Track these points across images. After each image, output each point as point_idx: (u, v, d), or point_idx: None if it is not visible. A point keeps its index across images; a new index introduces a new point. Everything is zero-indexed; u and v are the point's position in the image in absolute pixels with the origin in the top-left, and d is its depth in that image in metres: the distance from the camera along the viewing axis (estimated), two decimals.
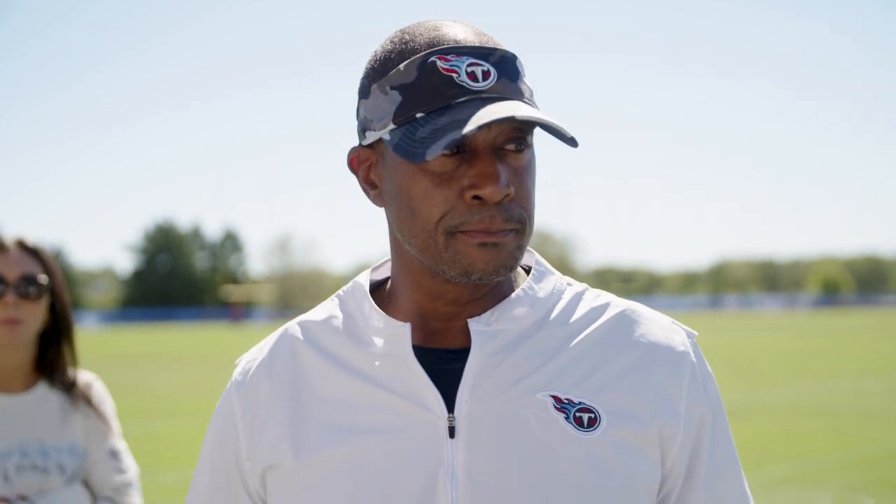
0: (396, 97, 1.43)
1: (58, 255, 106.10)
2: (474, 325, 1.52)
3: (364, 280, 1.64)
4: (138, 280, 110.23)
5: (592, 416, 1.49)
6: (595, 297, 1.61)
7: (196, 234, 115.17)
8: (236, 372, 1.66)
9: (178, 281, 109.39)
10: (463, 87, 1.40)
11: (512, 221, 1.44)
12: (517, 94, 1.43)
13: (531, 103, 1.45)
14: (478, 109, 1.38)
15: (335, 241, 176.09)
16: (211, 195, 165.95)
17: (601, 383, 1.51)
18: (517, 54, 1.48)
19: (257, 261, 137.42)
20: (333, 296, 1.67)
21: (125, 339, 54.44)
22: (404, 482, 1.47)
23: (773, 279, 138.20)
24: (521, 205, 1.45)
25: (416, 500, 1.47)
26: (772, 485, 10.06)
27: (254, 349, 1.68)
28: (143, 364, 31.71)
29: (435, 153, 1.37)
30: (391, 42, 1.50)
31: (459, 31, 1.47)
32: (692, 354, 1.57)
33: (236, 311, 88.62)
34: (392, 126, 1.44)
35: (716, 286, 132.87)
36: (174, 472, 11.56)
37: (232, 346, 45.17)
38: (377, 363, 1.54)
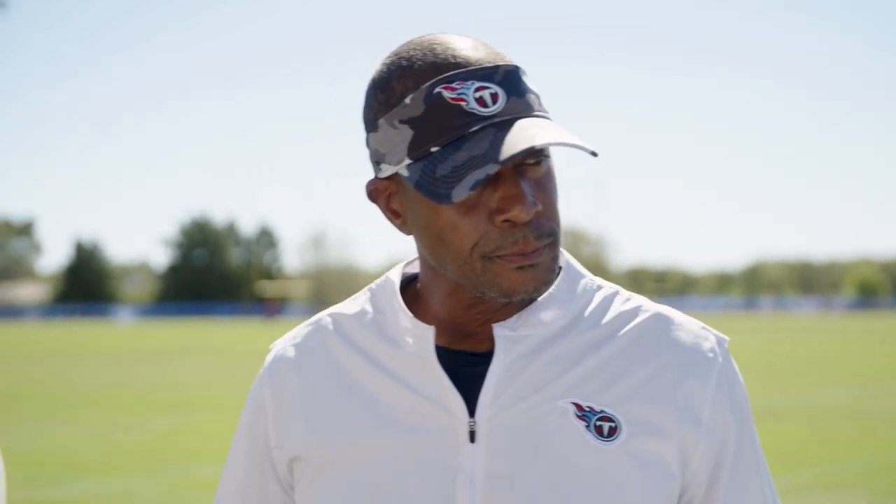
0: (407, 131, 1.42)
1: (94, 249, 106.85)
2: (499, 329, 1.51)
3: (395, 276, 1.63)
4: (174, 274, 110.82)
5: (613, 425, 1.48)
6: (625, 300, 1.59)
7: (231, 230, 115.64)
8: (268, 359, 1.67)
9: (213, 276, 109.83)
10: (474, 114, 1.39)
11: (543, 237, 1.44)
12: (527, 110, 1.42)
13: (542, 114, 1.44)
14: (493, 138, 1.38)
15: (369, 237, 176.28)
16: (246, 190, 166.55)
17: (624, 392, 1.50)
18: (516, 63, 1.46)
19: (292, 256, 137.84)
20: (366, 289, 1.66)
21: (159, 334, 54.76)
22: (424, 484, 1.48)
23: (809, 281, 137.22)
24: (548, 217, 1.45)
25: (435, 503, 1.48)
26: (803, 488, 10.02)
27: (286, 337, 1.68)
28: (177, 358, 31.89)
29: (461, 195, 1.37)
30: (388, 69, 1.47)
31: (458, 49, 1.44)
32: (720, 361, 1.55)
33: (270, 307, 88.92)
34: (408, 161, 1.42)
35: (750, 287, 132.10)
36: (209, 467, 11.57)
37: (266, 341, 45.02)
38: (404, 363, 1.54)
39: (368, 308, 1.63)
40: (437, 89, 1.40)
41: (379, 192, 1.52)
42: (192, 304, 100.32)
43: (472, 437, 1.49)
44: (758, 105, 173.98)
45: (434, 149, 1.40)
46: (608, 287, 1.61)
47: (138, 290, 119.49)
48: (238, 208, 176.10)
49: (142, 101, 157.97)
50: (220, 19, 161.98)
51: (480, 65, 1.42)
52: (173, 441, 13.71)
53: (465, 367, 1.53)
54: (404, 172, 1.44)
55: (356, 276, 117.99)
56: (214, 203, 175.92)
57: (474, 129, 1.38)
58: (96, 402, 18.66)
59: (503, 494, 1.47)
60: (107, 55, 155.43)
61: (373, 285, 1.66)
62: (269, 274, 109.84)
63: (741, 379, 1.58)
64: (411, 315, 1.56)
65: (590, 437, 1.47)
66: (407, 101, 1.42)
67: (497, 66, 1.42)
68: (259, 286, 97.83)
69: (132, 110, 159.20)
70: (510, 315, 1.53)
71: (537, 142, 1.35)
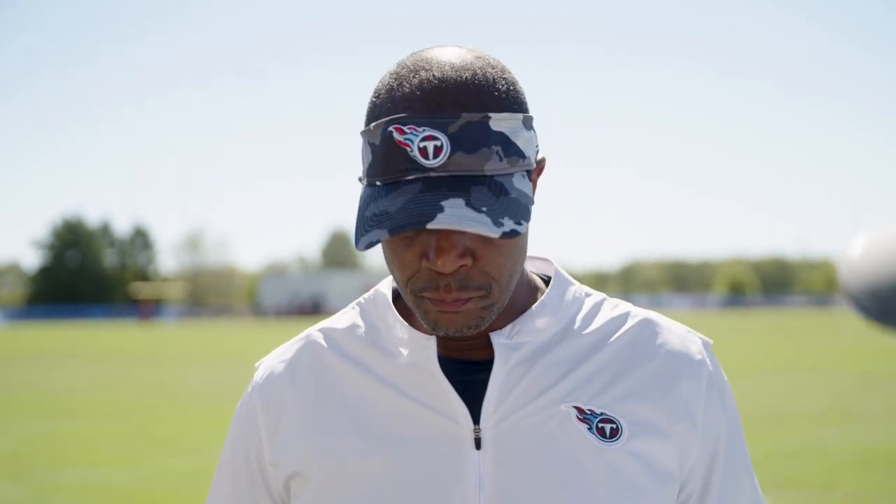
0: (368, 155, 1.44)
1: None
2: (497, 338, 1.54)
3: (386, 289, 1.65)
4: (45, 277, 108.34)
5: (614, 426, 1.52)
6: (613, 306, 1.64)
7: (105, 231, 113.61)
8: (257, 376, 1.67)
9: (87, 278, 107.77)
10: (414, 162, 1.39)
11: (468, 290, 1.44)
12: (474, 166, 1.39)
13: (493, 172, 1.40)
14: (411, 198, 1.38)
15: (247, 239, 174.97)
16: (121, 191, 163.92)
17: (622, 394, 1.54)
18: (491, 111, 1.42)
19: (167, 258, 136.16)
20: (354, 304, 1.68)
21: (31, 337, 53.49)
22: (433, 493, 1.50)
23: (683, 280, 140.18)
24: (484, 272, 1.44)
25: None
26: None
27: (275, 353, 1.68)
28: (49, 362, 31.19)
29: (361, 247, 1.41)
30: (382, 84, 1.48)
31: (434, 84, 1.42)
32: (709, 363, 1.61)
33: (145, 309, 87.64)
34: (365, 182, 1.46)
35: (626, 286, 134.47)
36: (77, 472, 11.40)
37: (140, 343, 44.59)
38: (402, 374, 1.56)
39: (359, 322, 1.64)
40: (390, 128, 1.41)
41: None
42: (65, 307, 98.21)
43: (478, 444, 1.51)
44: (629, 106, 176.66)
45: (378, 182, 1.42)
46: (596, 294, 1.66)
47: (8, 292, 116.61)
48: (112, 209, 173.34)
49: (9, 97, 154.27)
50: (89, 19, 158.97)
51: (442, 111, 1.40)
52: (44, 446, 13.39)
53: (464, 375, 1.55)
54: (361, 190, 1.47)
55: (233, 278, 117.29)
56: (87, 203, 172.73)
57: (410, 177, 1.39)
58: None
59: (512, 499, 1.49)
60: None
61: (361, 299, 1.68)
62: (144, 276, 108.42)
63: (727, 379, 1.64)
64: (409, 326, 1.58)
65: (593, 439, 1.51)
66: (372, 127, 1.44)
67: (458, 116, 1.40)
68: (134, 288, 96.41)
69: (0, 109, 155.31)
70: (504, 324, 1.56)
71: (432, 224, 1.35)
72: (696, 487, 1.58)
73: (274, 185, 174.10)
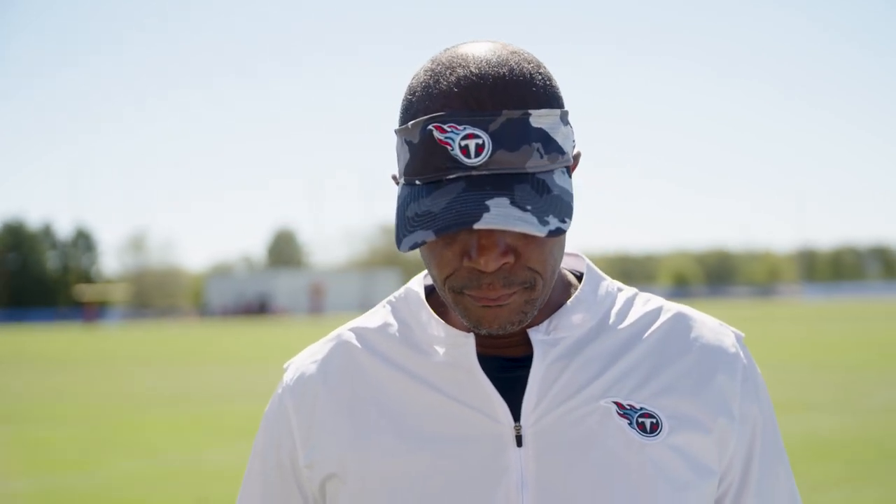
0: (406, 153, 1.43)
1: None
2: (534, 334, 1.53)
3: (418, 287, 1.64)
4: None
5: (654, 421, 1.52)
6: (646, 301, 1.64)
7: (47, 233, 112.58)
8: (287, 377, 1.65)
9: (29, 281, 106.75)
10: (456, 161, 1.38)
11: (514, 286, 1.44)
12: (517, 163, 1.38)
13: (535, 170, 1.40)
14: (455, 198, 1.37)
15: (191, 239, 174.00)
16: (63, 192, 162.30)
17: (660, 389, 1.55)
18: (531, 107, 1.42)
19: (111, 259, 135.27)
20: (384, 302, 1.66)
21: None
22: (474, 492, 1.49)
23: (628, 273, 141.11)
24: (527, 266, 1.44)
25: None
26: None
27: (305, 353, 1.67)
28: None
29: (404, 249, 1.40)
30: (417, 82, 1.46)
31: (471, 81, 1.41)
32: (742, 356, 1.61)
33: (90, 312, 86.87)
34: (403, 181, 1.45)
35: None
36: (33, 478, 11.28)
37: (87, 346, 44.18)
38: (438, 372, 1.55)
39: (391, 320, 1.63)
40: (430, 126, 1.40)
41: (396, 182, 1.52)
42: (7, 311, 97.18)
43: (519, 441, 1.50)
44: (587, 101, 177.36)
45: (418, 181, 1.41)
46: (628, 289, 1.67)
47: None
48: (53, 210, 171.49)
49: None
50: (27, 22, 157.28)
51: (482, 108, 1.40)
52: None
53: (501, 372, 1.54)
54: (399, 190, 1.47)
55: (179, 279, 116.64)
56: (28, 205, 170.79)
57: (451, 176, 1.39)
58: None
59: (555, 496, 1.49)
60: None
61: (392, 298, 1.66)
62: (88, 278, 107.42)
63: (760, 372, 1.65)
64: (444, 324, 1.57)
65: (634, 434, 1.51)
66: (409, 125, 1.43)
67: (498, 113, 1.40)
68: (77, 290, 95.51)
69: None
70: (541, 320, 1.56)
71: (479, 224, 1.35)
72: (735, 479, 1.59)
73: (217, 185, 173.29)
